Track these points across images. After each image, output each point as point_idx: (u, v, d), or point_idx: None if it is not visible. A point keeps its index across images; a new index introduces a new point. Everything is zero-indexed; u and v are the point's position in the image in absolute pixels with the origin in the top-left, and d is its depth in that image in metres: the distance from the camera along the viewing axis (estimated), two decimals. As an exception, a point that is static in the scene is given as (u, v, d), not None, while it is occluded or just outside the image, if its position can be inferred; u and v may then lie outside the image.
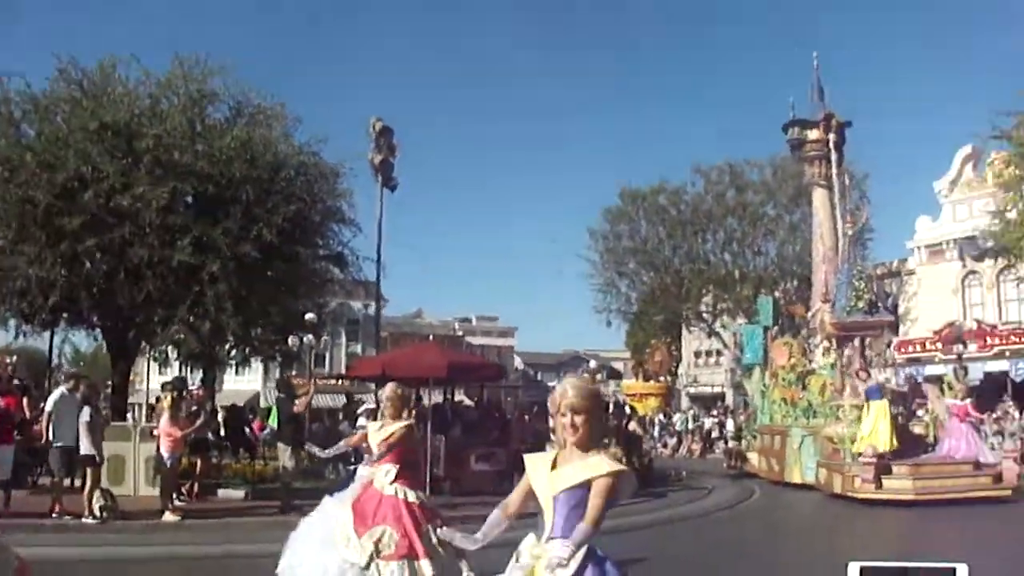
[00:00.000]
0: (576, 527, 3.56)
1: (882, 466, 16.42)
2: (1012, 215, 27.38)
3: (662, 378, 36.66)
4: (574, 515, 3.61)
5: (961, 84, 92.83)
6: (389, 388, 7.91)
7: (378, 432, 7.67)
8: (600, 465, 3.66)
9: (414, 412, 18.43)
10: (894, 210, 70.51)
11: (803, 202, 40.47)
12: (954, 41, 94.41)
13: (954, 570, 2.15)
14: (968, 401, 18.62)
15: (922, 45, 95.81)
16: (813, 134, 24.12)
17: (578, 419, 3.70)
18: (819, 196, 24.64)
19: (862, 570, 2.30)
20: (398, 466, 7.51)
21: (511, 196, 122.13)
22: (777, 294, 34.47)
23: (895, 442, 17.26)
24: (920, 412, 20.24)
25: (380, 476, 7.47)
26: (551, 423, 3.95)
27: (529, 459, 3.96)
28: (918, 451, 18.09)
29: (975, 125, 65.37)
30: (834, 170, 23.45)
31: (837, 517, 15.70)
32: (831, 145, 23.48)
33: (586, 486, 3.62)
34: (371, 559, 7.02)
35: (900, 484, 16.34)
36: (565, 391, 3.75)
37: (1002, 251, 30.79)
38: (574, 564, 3.51)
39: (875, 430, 17.20)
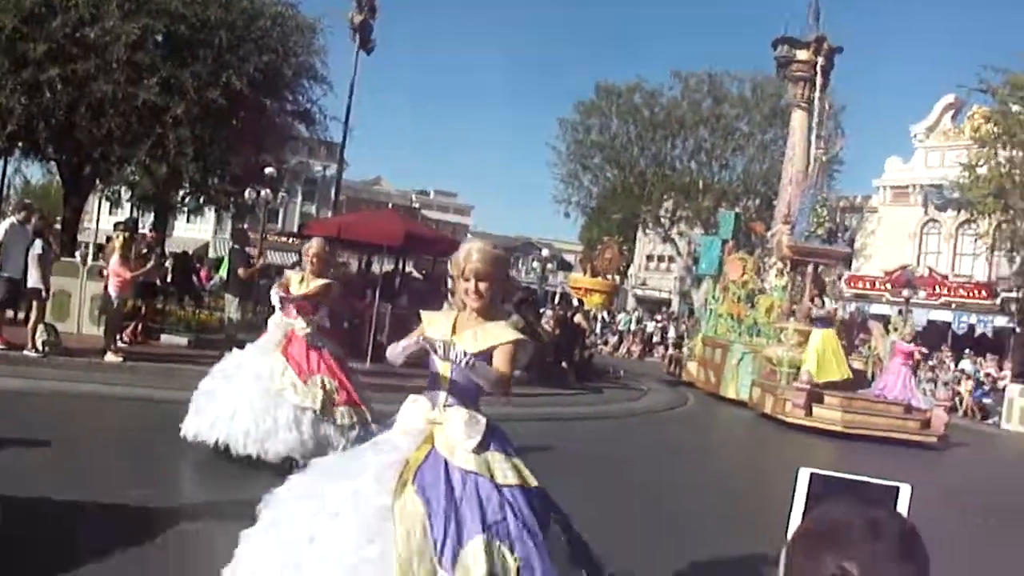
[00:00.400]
0: (484, 371, 3.48)
1: (814, 394, 16.56)
2: (983, 171, 27.83)
3: (609, 276, 36.75)
4: (472, 383, 3.55)
5: (955, 31, 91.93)
6: (316, 244, 7.84)
7: (299, 284, 7.67)
8: (502, 333, 3.60)
9: (365, 278, 18.56)
10: (866, 147, 70.57)
11: (777, 123, 41.24)
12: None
13: (898, 488, 2.19)
14: (914, 344, 18.85)
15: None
16: (802, 54, 23.35)
17: (482, 285, 3.57)
18: (797, 117, 24.12)
19: (812, 476, 2.26)
20: (314, 318, 7.62)
21: (485, 76, 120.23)
22: (738, 210, 34.55)
23: (846, 371, 17.52)
24: (862, 348, 20.53)
25: (300, 326, 7.52)
26: (450, 284, 3.79)
27: (427, 316, 3.82)
28: (854, 385, 18.17)
29: (961, 75, 65.68)
30: (817, 94, 23.00)
31: (766, 435, 16.08)
32: (818, 68, 22.88)
33: (487, 354, 3.54)
34: (324, 404, 7.14)
35: (829, 414, 16.41)
36: (469, 254, 3.59)
37: (966, 204, 31.02)
38: (477, 436, 3.48)
39: (824, 360, 17.30)
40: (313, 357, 7.37)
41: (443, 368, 3.61)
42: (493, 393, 3.56)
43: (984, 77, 27.57)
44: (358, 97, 24.38)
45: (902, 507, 2.12)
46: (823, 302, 19.07)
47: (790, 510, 2.17)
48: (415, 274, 23.36)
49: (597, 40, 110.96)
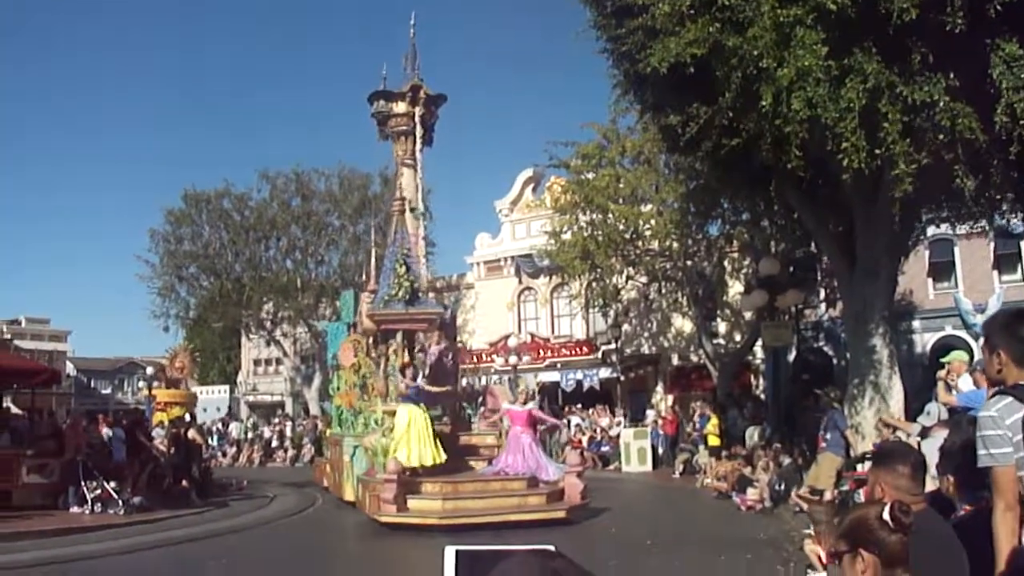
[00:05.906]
0: None
1: (408, 484, 14.28)
2: (566, 237, 29.33)
3: (183, 385, 34.46)
4: None
5: (529, 110, 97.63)
6: None
7: None
8: None
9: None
10: (457, 228, 73.02)
11: (367, 214, 42.31)
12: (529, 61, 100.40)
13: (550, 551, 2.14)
14: (530, 406, 16.95)
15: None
16: (400, 107, 20.71)
17: None
18: (407, 176, 20.98)
19: (459, 553, 2.19)
20: None
21: (63, 188, 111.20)
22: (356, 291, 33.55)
23: (439, 455, 15.19)
24: (492, 418, 18.94)
25: None
26: None
27: None
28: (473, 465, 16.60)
29: (538, 150, 70.80)
30: (418, 146, 20.61)
31: (374, 542, 13.64)
32: (417, 119, 20.47)
33: None
34: None
35: (426, 505, 14.10)
36: None
37: (556, 269, 32.76)
38: None
39: (407, 441, 15.03)
40: None
41: None
42: None
43: (553, 153, 29.44)
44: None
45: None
46: (415, 374, 16.28)
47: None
48: (15, 410, 21.42)
49: (183, 145, 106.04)
